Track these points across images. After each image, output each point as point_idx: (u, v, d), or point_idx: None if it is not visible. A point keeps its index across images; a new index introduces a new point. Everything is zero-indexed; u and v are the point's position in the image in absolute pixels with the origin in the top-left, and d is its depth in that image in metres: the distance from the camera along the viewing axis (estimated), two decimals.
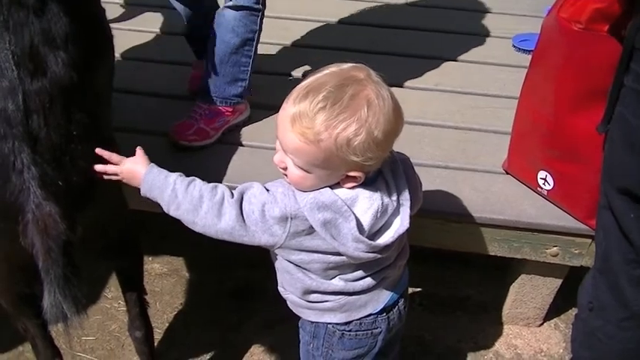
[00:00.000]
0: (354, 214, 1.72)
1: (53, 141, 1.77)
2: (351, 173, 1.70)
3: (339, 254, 1.77)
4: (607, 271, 1.96)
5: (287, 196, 1.74)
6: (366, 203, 1.75)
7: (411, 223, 1.80)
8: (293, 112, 1.65)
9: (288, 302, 2.01)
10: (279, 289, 2.00)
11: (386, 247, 1.79)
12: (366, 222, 1.75)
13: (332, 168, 1.69)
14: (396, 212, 1.80)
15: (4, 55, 1.73)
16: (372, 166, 1.71)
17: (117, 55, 2.46)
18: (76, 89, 1.83)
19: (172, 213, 1.86)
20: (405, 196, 1.81)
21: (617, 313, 1.95)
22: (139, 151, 1.96)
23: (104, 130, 2.04)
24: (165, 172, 1.90)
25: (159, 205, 1.87)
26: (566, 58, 2.26)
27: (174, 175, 1.88)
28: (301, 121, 1.63)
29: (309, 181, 1.72)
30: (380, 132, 1.63)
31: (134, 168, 1.93)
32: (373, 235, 1.78)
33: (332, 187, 1.74)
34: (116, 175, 1.94)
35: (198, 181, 1.87)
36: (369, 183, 1.75)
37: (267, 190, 1.79)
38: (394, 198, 1.78)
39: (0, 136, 1.72)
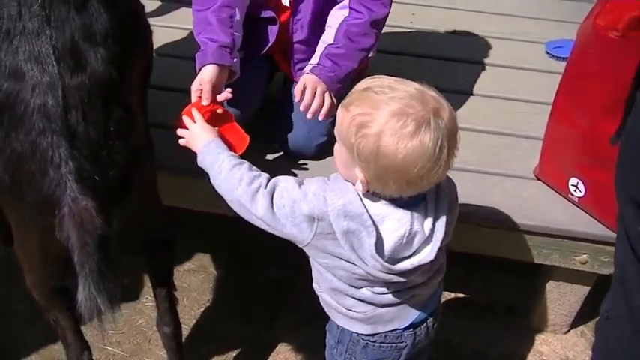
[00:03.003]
0: (377, 231, 1.72)
1: (91, 136, 1.78)
2: (357, 172, 1.68)
3: None
4: (622, 281, 1.96)
5: (317, 196, 1.74)
6: (394, 225, 1.74)
7: (437, 256, 1.79)
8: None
9: (320, 300, 2.01)
10: (314, 285, 2.00)
11: (405, 272, 1.78)
12: (388, 243, 1.74)
13: (346, 148, 1.68)
14: (428, 241, 1.78)
15: (45, 51, 1.75)
16: (376, 188, 1.69)
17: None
18: (114, 85, 1.85)
19: (216, 188, 1.92)
20: (441, 228, 1.78)
21: (629, 324, 1.94)
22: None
23: (140, 127, 2.05)
24: (221, 148, 1.98)
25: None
26: (602, 66, 2.25)
27: (226, 154, 1.95)
28: (352, 91, 1.70)
29: (337, 156, 1.76)
30: (385, 148, 1.59)
31: (200, 135, 2.03)
32: (399, 259, 1.77)
33: (363, 199, 1.73)
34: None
35: (246, 165, 1.91)
36: (407, 206, 1.74)
37: (301, 186, 1.80)
38: (428, 228, 1.77)
39: (39, 131, 1.74)
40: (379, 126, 1.60)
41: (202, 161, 1.98)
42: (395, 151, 1.59)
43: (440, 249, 1.79)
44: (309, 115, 2.39)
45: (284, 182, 1.82)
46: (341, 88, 2.45)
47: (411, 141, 1.59)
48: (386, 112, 1.60)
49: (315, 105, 2.38)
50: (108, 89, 1.83)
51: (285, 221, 1.78)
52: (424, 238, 1.77)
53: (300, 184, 1.81)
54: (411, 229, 1.74)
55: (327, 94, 2.41)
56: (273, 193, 1.81)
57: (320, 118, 2.42)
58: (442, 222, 1.78)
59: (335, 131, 1.74)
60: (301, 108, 2.38)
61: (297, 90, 2.40)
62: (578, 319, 3.01)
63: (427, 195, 1.76)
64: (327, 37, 2.55)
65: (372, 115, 1.61)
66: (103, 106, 1.82)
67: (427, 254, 1.77)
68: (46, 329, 2.82)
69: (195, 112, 2.12)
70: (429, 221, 1.77)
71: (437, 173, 1.64)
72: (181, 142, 2.08)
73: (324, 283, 1.92)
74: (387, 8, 2.57)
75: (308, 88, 2.38)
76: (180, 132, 2.10)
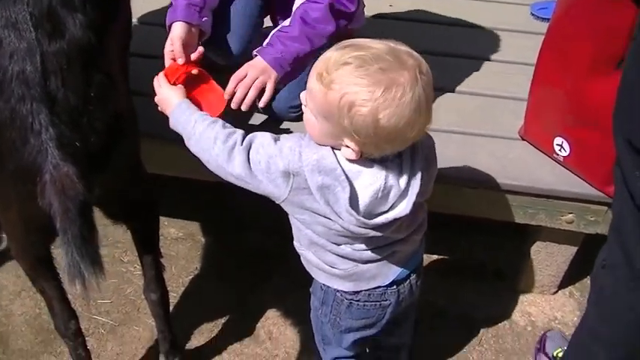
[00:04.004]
0: (350, 186, 1.71)
1: (71, 102, 1.77)
2: (349, 143, 1.67)
3: None
4: (619, 229, 1.95)
5: (293, 151, 1.74)
6: (368, 179, 1.73)
7: (412, 211, 1.78)
8: (327, 56, 1.66)
9: (302, 259, 2.02)
10: (295, 243, 2.00)
11: (381, 227, 1.78)
12: (363, 198, 1.73)
13: (332, 125, 1.66)
14: (404, 195, 1.77)
15: (22, 17, 1.74)
16: (371, 154, 1.69)
17: (133, 18, 2.44)
18: (93, 51, 1.84)
19: (191, 149, 1.92)
20: (416, 183, 1.77)
21: (626, 272, 1.95)
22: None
23: (122, 93, 2.04)
24: (192, 109, 1.99)
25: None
26: (585, 24, 2.24)
27: (197, 114, 1.95)
28: (326, 65, 1.63)
29: (314, 129, 1.73)
30: (385, 121, 1.59)
31: (169, 97, 2.05)
32: (376, 214, 1.77)
33: (337, 155, 1.72)
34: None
35: (219, 122, 1.90)
36: (382, 161, 1.73)
37: (277, 141, 1.80)
38: (403, 182, 1.76)
39: (18, 98, 1.73)
40: (373, 101, 1.58)
41: (175, 124, 1.98)
42: (396, 121, 1.60)
43: (417, 204, 1.79)
44: (233, 105, 2.31)
45: (260, 138, 1.82)
46: (291, 71, 2.38)
47: (409, 107, 1.60)
48: (375, 87, 1.58)
49: (239, 94, 2.30)
50: (87, 55, 1.82)
51: (262, 177, 1.78)
52: (400, 193, 1.76)
53: (277, 139, 1.80)
54: (385, 183, 1.73)
55: (268, 84, 2.33)
56: (250, 149, 1.80)
57: (243, 108, 2.34)
58: (418, 177, 1.77)
59: (312, 106, 1.71)
60: (233, 105, 2.31)
61: (235, 76, 2.32)
62: (566, 280, 3.02)
63: (402, 150, 1.75)
64: (285, 22, 2.47)
65: (361, 92, 1.59)
66: (82, 72, 1.81)
67: (403, 209, 1.76)
68: (33, 300, 2.84)
69: (160, 76, 2.12)
70: (404, 176, 1.76)
71: (426, 122, 1.68)
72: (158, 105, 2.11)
73: (304, 240, 1.93)
74: (353, 5, 2.45)
75: (248, 77, 2.31)
76: (156, 98, 2.11)
